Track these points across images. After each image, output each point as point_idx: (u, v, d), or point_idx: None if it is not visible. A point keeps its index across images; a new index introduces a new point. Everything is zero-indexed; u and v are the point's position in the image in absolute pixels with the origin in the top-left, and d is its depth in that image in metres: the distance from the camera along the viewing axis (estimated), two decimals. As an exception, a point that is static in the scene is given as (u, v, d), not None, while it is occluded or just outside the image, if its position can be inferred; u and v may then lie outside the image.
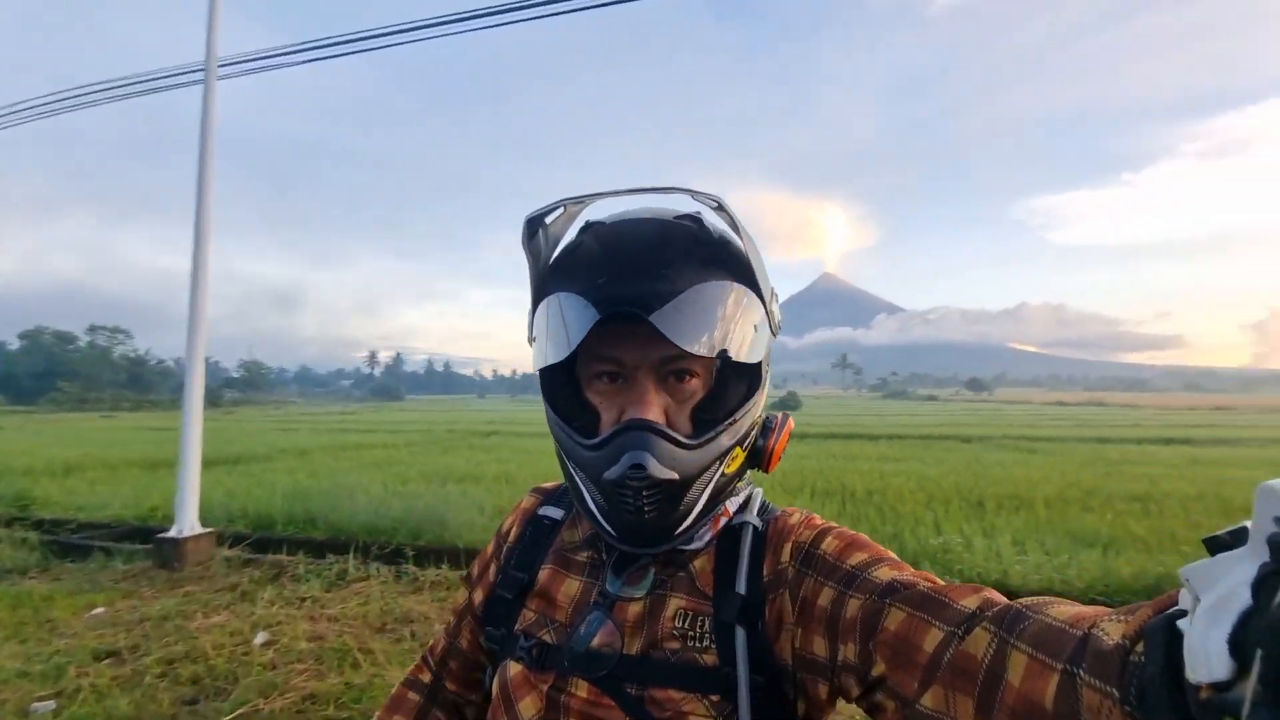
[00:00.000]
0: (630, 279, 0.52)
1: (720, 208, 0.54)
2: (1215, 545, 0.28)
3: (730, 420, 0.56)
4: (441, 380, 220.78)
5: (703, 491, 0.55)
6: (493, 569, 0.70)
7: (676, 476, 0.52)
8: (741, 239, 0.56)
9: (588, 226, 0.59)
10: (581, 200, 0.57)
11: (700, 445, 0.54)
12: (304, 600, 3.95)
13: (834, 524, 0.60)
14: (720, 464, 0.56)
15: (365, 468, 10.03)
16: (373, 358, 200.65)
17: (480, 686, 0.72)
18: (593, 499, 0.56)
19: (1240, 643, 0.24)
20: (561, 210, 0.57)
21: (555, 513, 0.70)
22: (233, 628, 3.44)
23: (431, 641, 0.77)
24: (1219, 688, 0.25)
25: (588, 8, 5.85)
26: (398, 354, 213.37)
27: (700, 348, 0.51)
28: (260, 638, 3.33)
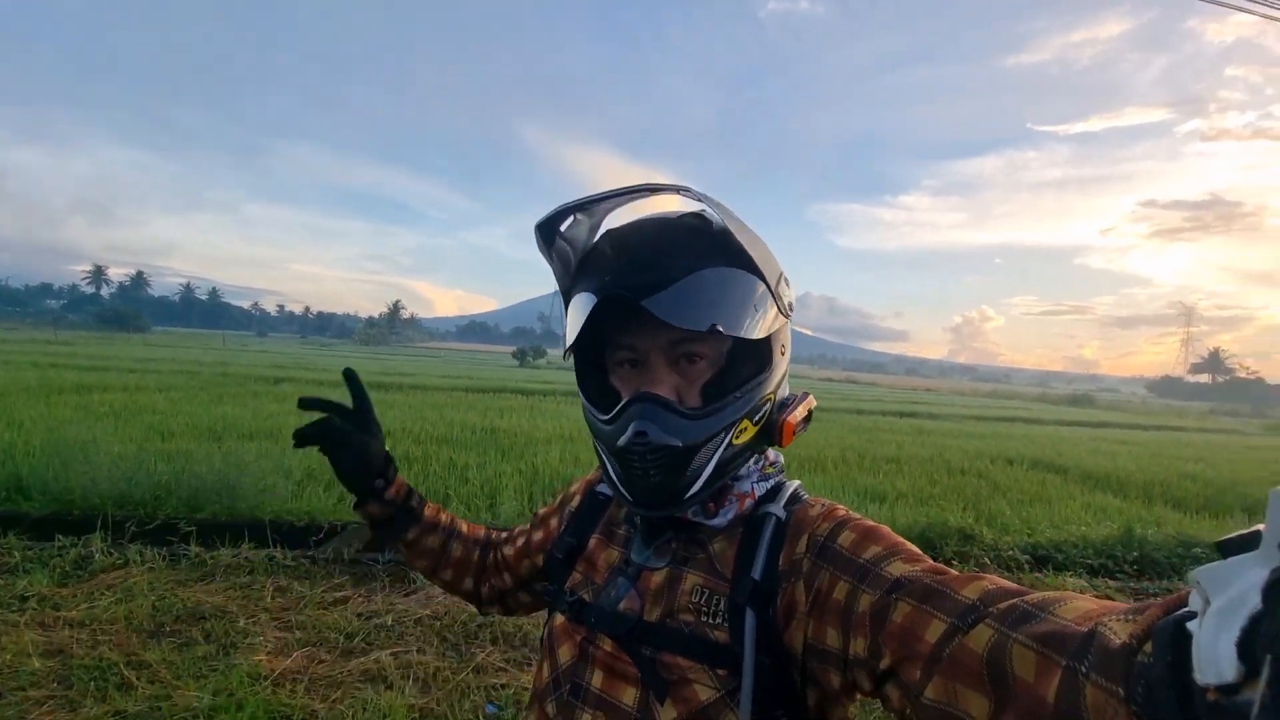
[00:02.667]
0: (631, 273, 0.59)
1: (703, 199, 0.58)
2: (1228, 548, 0.28)
3: (736, 394, 0.61)
4: (205, 311, 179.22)
5: (709, 458, 0.60)
6: (554, 521, 0.82)
7: (679, 443, 0.58)
8: (740, 230, 0.59)
9: (605, 233, 0.66)
10: (585, 206, 0.62)
11: (703, 416, 0.59)
12: (26, 600, 2.89)
13: (855, 515, 0.62)
14: (727, 434, 0.61)
15: (100, 418, 7.72)
16: (99, 274, 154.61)
17: (516, 587, 0.86)
18: (613, 469, 0.63)
19: (1249, 646, 0.24)
20: (573, 218, 0.63)
21: (608, 489, 0.76)
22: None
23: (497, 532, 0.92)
24: (1226, 690, 0.25)
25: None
26: (139, 272, 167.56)
27: (691, 324, 0.56)
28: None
